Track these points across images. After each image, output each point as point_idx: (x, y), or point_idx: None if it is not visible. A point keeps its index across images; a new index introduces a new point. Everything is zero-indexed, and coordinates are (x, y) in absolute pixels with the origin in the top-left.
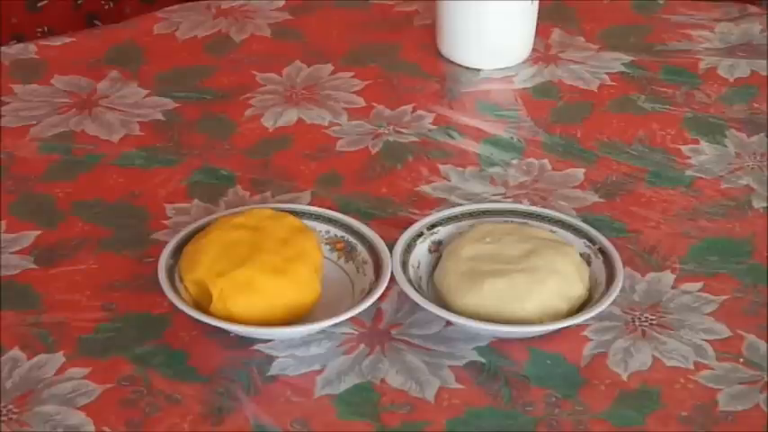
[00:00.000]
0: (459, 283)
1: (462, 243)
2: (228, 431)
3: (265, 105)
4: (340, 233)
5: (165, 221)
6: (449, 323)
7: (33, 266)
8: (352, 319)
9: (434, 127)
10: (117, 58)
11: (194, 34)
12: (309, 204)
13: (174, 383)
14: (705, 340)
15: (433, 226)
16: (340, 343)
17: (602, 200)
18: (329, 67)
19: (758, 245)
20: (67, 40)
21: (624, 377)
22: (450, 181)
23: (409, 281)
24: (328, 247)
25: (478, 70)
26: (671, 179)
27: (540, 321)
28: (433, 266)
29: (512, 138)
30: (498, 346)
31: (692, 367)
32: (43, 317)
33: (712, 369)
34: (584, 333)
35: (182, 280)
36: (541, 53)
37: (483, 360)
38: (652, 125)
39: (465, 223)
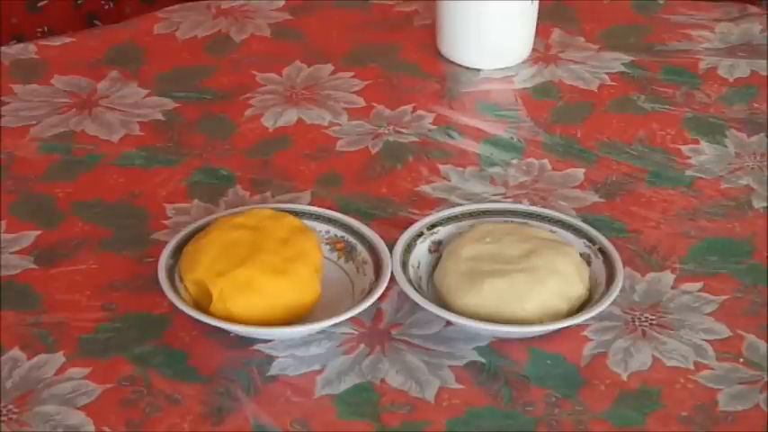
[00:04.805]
0: (459, 283)
1: (462, 243)
2: (228, 431)
3: (265, 105)
4: (340, 233)
5: (165, 221)
6: (449, 323)
7: (33, 266)
8: (352, 319)
9: (434, 127)
10: (117, 58)
11: (194, 34)
12: (309, 204)
13: (174, 383)
14: (705, 340)
15: (433, 226)
16: (340, 343)
17: (602, 200)
18: (329, 67)
19: (758, 245)
20: (67, 40)
21: (624, 377)
22: (450, 181)
23: (409, 281)
24: (328, 247)
25: (478, 70)
26: (671, 179)
27: (540, 321)
28: (433, 266)
29: (512, 138)
30: (498, 346)
31: (692, 367)
32: (43, 317)
33: (712, 369)
34: (584, 333)
35: (182, 280)
36: (541, 53)
37: (483, 360)
38: (652, 125)
39: (465, 223)
